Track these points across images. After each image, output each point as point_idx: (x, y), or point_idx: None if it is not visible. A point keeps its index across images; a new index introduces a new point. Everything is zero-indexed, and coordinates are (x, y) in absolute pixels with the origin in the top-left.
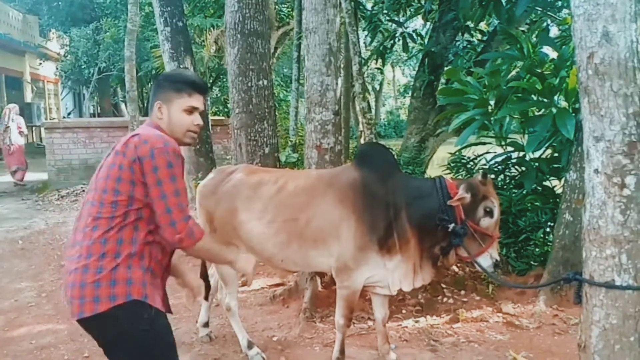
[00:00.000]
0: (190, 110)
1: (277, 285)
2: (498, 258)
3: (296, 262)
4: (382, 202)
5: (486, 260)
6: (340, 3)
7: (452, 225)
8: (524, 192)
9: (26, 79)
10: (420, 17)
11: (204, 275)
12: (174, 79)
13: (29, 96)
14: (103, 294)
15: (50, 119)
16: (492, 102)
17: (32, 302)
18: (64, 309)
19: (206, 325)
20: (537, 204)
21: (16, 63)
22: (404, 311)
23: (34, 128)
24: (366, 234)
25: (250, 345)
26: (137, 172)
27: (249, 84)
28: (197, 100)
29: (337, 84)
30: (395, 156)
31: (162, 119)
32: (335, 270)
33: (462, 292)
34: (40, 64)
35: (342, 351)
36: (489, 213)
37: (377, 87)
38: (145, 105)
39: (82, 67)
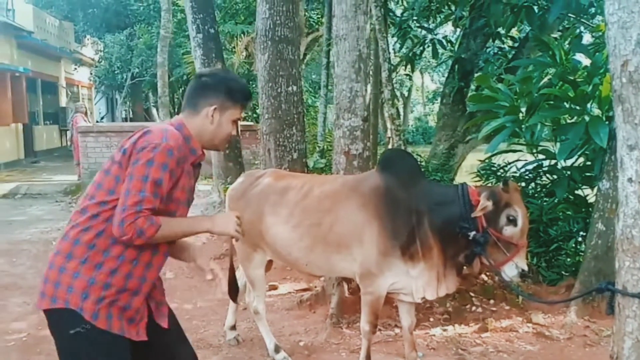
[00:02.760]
0: (237, 121)
1: (304, 290)
2: (525, 268)
3: (320, 267)
4: (404, 208)
5: (511, 269)
6: (370, 10)
7: (473, 233)
8: (556, 200)
9: (61, 84)
10: (450, 23)
11: (232, 278)
12: (234, 88)
13: (63, 100)
14: (48, 293)
15: None
16: (523, 109)
17: None
18: None
19: (233, 328)
20: (569, 213)
21: (52, 68)
22: (431, 319)
23: (67, 132)
24: (389, 240)
25: (277, 349)
26: (123, 163)
27: (279, 90)
28: (242, 112)
29: (366, 90)
30: (423, 163)
31: (212, 124)
32: (359, 276)
33: (491, 301)
34: (75, 69)
35: (368, 357)
36: (512, 221)
37: (406, 94)
38: (176, 110)
39: (116, 72)
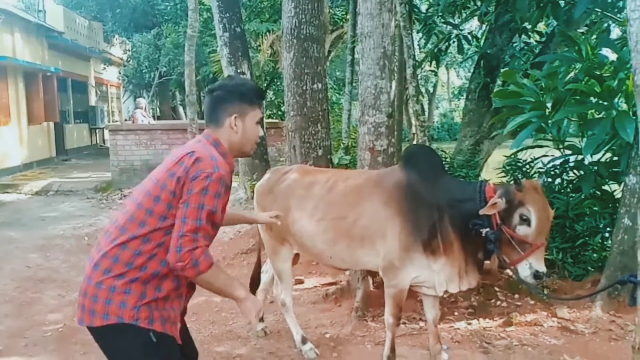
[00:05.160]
0: (259, 122)
1: (330, 284)
2: (541, 269)
3: (344, 260)
4: (426, 204)
5: (524, 269)
6: (395, 7)
7: (486, 230)
8: (582, 196)
9: (91, 83)
10: (476, 19)
11: (257, 273)
12: (245, 91)
13: (93, 99)
14: (98, 309)
15: (112, 122)
16: (549, 105)
17: None
18: None
19: (261, 320)
20: (595, 208)
21: (82, 68)
22: (456, 313)
23: (97, 130)
24: (411, 235)
25: (304, 341)
26: (177, 192)
27: (304, 88)
28: (262, 111)
29: (390, 87)
30: (448, 159)
31: (237, 133)
32: (382, 269)
33: (516, 295)
34: (104, 68)
35: (392, 349)
36: (525, 221)
37: (431, 90)
38: (202, 109)
39: (144, 71)
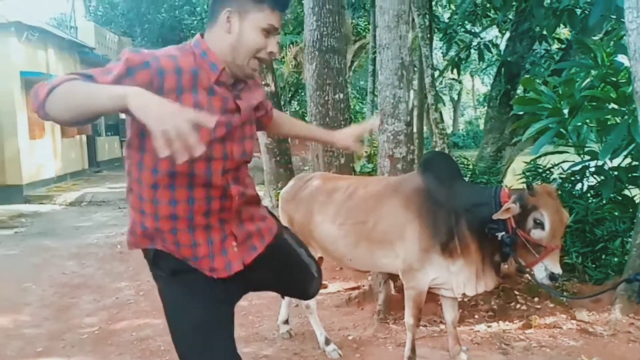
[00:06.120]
0: (269, 31)
1: (353, 288)
2: (556, 271)
3: (364, 262)
4: (444, 208)
5: (540, 271)
6: (413, 20)
7: (502, 233)
8: (603, 201)
9: None
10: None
11: None
12: None
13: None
14: None
15: None
16: (565, 111)
17: (131, 300)
18: (159, 305)
19: (286, 322)
20: (615, 213)
21: None
22: (476, 316)
23: (123, 142)
24: (429, 238)
25: (327, 342)
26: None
27: (326, 98)
28: (278, 19)
29: (408, 96)
30: (470, 166)
31: (230, 34)
32: (401, 271)
33: (536, 299)
34: None
35: (413, 349)
36: (539, 225)
37: (456, 97)
38: None
39: None
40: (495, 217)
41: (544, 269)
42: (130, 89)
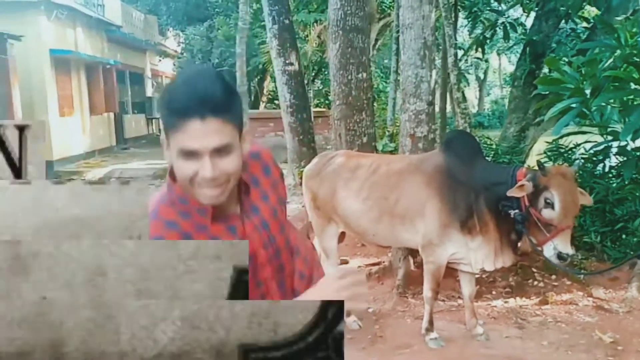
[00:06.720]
0: (188, 154)
1: (374, 264)
2: (566, 250)
3: (386, 237)
4: (464, 186)
5: (549, 250)
6: None
7: (514, 211)
8: (626, 182)
9: (147, 75)
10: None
11: None
12: (164, 102)
13: (149, 91)
14: None
15: None
16: (587, 91)
17: None
18: None
19: None
20: (636, 193)
21: (138, 60)
22: (493, 292)
23: (153, 120)
24: (449, 214)
25: (348, 314)
26: None
27: (349, 77)
28: (196, 137)
29: (431, 76)
30: (493, 146)
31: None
32: (421, 246)
33: (553, 276)
34: (160, 60)
35: (430, 322)
36: (549, 204)
37: (482, 76)
38: (252, 99)
39: (197, 63)
40: (508, 193)
41: (553, 247)
42: None
